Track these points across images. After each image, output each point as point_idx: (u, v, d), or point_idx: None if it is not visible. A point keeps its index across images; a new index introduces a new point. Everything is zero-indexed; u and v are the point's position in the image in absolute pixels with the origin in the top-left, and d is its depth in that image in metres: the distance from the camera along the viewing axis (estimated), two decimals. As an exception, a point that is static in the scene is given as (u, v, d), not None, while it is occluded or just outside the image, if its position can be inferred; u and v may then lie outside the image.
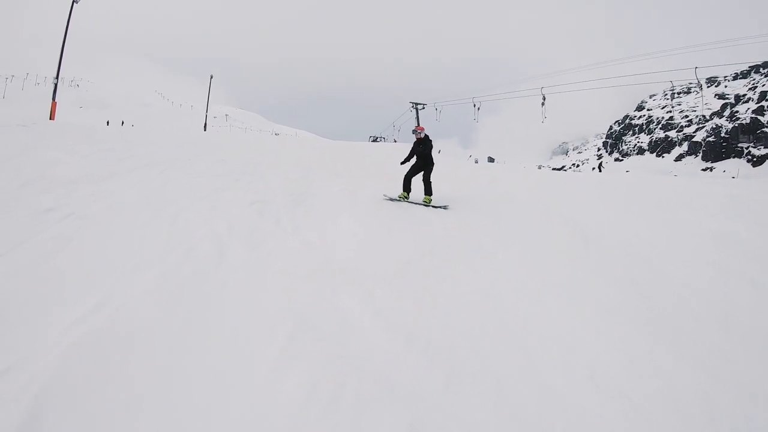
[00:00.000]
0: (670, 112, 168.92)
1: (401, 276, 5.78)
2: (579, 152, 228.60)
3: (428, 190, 10.84)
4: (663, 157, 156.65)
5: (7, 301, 4.19)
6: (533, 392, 3.70)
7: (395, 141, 44.59)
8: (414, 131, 11.49)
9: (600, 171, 37.82)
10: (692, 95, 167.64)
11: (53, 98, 25.88)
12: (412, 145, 11.54)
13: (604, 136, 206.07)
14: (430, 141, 11.17)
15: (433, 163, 11.14)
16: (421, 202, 10.73)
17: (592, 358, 4.18)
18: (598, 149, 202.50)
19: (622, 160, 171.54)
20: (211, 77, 53.85)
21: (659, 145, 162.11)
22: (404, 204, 10.40)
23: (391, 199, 10.67)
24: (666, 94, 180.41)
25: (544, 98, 24.84)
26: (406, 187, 10.99)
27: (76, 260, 5.32)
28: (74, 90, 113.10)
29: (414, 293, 5.26)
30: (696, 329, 4.98)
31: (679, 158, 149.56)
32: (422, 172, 11.10)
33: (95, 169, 10.17)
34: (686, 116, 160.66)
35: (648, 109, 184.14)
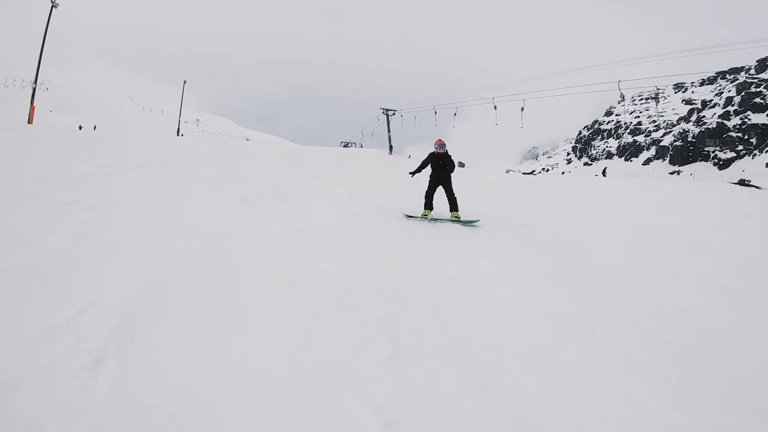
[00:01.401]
0: (638, 117, 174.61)
1: (369, 250, 7.58)
2: (549, 157, 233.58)
3: (455, 206, 10.50)
4: (631, 161, 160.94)
5: (66, 267, 5.67)
6: (460, 313, 5.39)
7: (361, 146, 46.91)
8: (439, 145, 10.91)
9: (605, 176, 40.36)
10: (660, 101, 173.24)
11: (32, 102, 26.68)
12: (426, 157, 11.01)
13: (574, 140, 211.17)
14: (452, 160, 10.78)
15: (450, 179, 10.80)
16: (449, 218, 10.30)
17: (510, 298, 5.90)
18: (568, 154, 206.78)
19: (591, 164, 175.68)
20: (185, 83, 54.97)
21: (627, 149, 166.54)
22: (376, 200, 11.52)
23: (411, 217, 10.29)
24: (634, 100, 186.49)
25: (519, 106, 25.67)
26: (428, 204, 10.64)
27: (112, 239, 6.93)
28: (44, 93, 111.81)
29: (379, 261, 7.06)
30: (602, 286, 6.58)
31: (647, 162, 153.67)
32: (443, 186, 10.75)
33: (92, 170, 11.37)
34: (653, 121, 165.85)
35: (617, 115, 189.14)
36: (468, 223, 9.88)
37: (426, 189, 10.78)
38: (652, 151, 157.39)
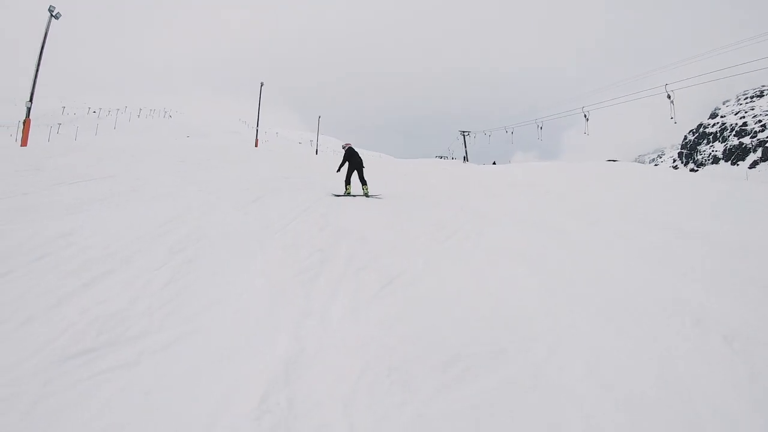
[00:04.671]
0: (744, 117, 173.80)
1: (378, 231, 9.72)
2: (655, 164, 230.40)
3: (365, 184, 15.62)
4: (738, 165, 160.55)
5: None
6: (432, 273, 7.04)
7: (453, 158, 64.93)
8: (343, 146, 16.93)
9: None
10: (766, 99, 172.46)
11: (256, 137, 41.58)
12: (344, 155, 16.44)
13: (680, 146, 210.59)
14: (356, 151, 16.31)
15: (363, 165, 16.13)
16: (361, 194, 15.48)
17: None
18: (674, 160, 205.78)
19: (697, 170, 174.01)
20: (319, 117, 75.84)
21: (733, 152, 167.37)
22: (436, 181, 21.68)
23: (337, 195, 14.63)
24: (739, 99, 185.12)
25: (670, 96, 28.61)
26: (347, 184, 15.65)
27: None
28: (168, 120, 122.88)
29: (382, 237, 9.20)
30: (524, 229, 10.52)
31: (753, 165, 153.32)
32: (356, 172, 15.93)
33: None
34: (759, 121, 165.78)
35: (721, 116, 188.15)
36: (373, 196, 15.19)
37: (346, 175, 15.98)
38: (759, 153, 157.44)
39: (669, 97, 28.09)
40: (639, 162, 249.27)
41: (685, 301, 5.91)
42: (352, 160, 16.01)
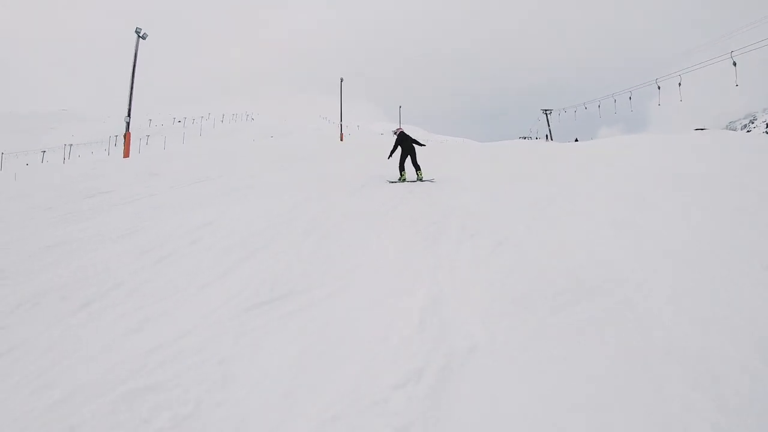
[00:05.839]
0: None
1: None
2: (747, 130, 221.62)
3: (418, 168, 15.29)
4: None
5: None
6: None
7: (537, 138, 65.45)
8: (394, 132, 17.04)
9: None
10: None
11: (341, 132, 44.02)
12: (395, 141, 15.99)
13: None
14: (408, 135, 15.93)
15: (415, 150, 15.71)
16: (416, 179, 15.01)
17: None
18: (767, 125, 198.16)
19: None
20: (400, 107, 79.54)
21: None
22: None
23: (392, 182, 14.63)
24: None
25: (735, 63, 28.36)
26: (401, 170, 15.33)
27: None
28: (251, 122, 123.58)
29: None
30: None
31: None
32: (409, 157, 15.57)
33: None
34: None
35: None
36: (427, 180, 14.83)
37: (399, 161, 15.65)
38: None
39: (734, 64, 28.05)
40: (730, 129, 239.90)
41: (760, 251, 6.48)
42: (404, 145, 15.70)
